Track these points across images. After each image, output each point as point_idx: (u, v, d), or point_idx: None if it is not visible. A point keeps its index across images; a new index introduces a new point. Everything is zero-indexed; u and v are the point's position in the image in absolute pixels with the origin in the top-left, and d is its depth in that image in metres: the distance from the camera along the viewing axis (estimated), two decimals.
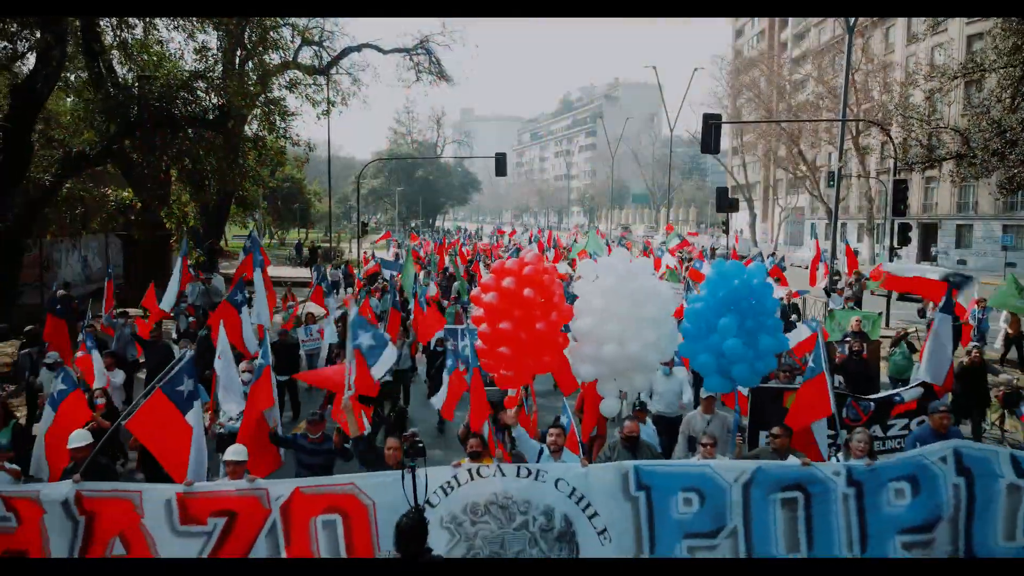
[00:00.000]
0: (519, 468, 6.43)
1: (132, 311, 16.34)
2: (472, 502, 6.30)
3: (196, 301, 18.62)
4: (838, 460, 6.85)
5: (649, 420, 8.93)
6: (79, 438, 6.92)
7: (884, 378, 13.34)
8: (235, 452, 6.89)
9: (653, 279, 8.25)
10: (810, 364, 7.93)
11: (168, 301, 15.29)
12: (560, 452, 7.22)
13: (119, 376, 10.88)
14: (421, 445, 6.55)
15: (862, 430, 7.25)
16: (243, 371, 9.91)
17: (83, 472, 6.31)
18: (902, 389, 8.88)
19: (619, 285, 7.76)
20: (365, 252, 35.37)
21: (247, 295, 12.38)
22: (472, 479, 6.35)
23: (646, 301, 7.85)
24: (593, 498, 6.30)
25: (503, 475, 6.36)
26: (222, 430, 8.82)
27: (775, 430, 7.25)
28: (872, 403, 8.77)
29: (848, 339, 12.65)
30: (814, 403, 7.58)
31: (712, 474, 6.33)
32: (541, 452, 7.30)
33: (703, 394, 8.86)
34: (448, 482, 6.33)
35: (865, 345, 12.28)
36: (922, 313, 18.32)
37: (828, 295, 19.10)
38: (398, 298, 16.25)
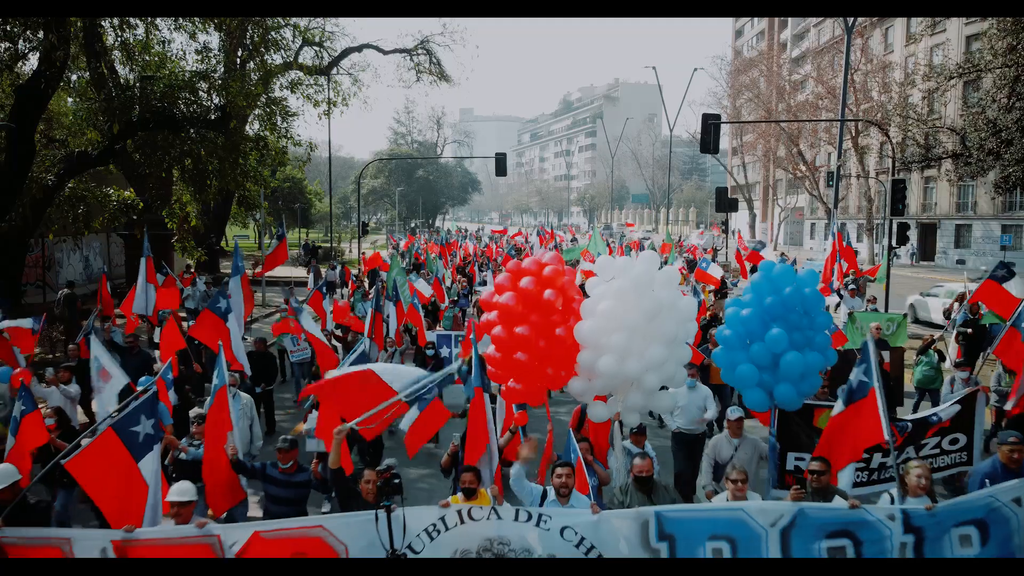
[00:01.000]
0: (518, 511, 5.62)
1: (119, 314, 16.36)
2: (462, 548, 5.50)
3: (198, 306, 18.32)
4: (892, 498, 5.93)
5: (648, 444, 7.95)
6: (3, 477, 5.91)
7: (908, 387, 12.58)
8: (179, 492, 5.93)
9: (676, 291, 7.01)
10: (859, 378, 6.60)
11: (139, 306, 14.73)
12: (568, 496, 6.17)
13: (73, 389, 10.09)
14: (398, 482, 6.10)
15: (920, 463, 6.21)
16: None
17: (6, 516, 5.46)
18: (939, 409, 7.98)
19: (634, 291, 6.60)
20: (364, 253, 35.42)
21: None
22: (462, 522, 5.54)
23: (662, 314, 6.60)
24: (606, 550, 5.48)
25: (499, 518, 5.56)
26: (184, 456, 7.69)
27: (814, 465, 6.24)
28: (909, 424, 7.77)
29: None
30: (862, 428, 6.47)
31: (745, 518, 5.50)
32: (544, 496, 6.32)
33: (731, 414, 7.90)
34: (434, 524, 5.53)
35: (884, 355, 10.99)
36: (947, 314, 17.81)
37: (840, 296, 18.59)
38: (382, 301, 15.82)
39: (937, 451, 7.82)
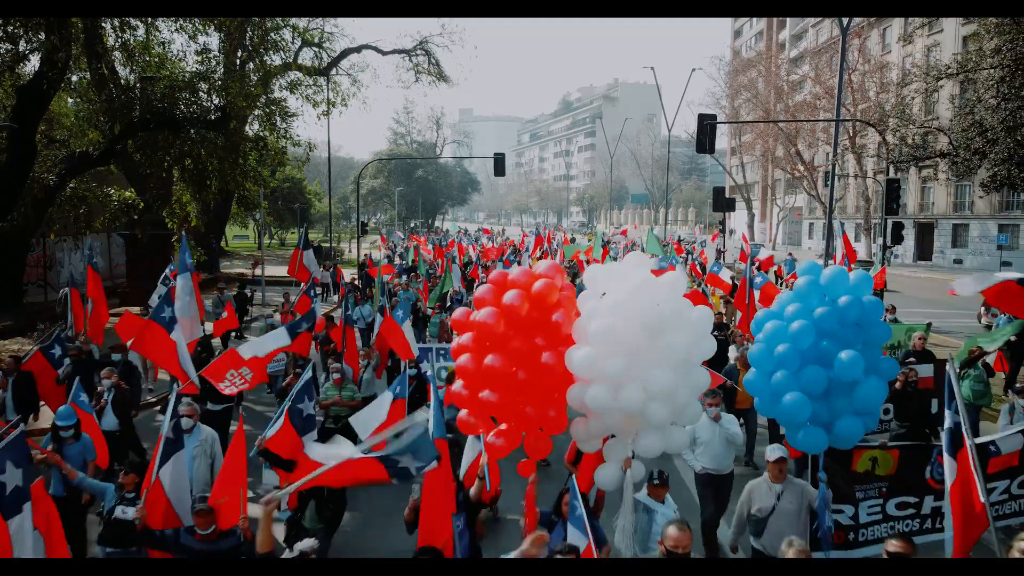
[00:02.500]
0: None
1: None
2: None
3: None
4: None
5: (669, 497, 6.16)
6: None
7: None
8: None
9: (682, 300, 5.52)
10: (953, 420, 5.45)
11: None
12: None
13: None
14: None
15: None
16: (184, 414, 7.15)
17: None
18: (997, 437, 6.22)
19: (630, 302, 5.23)
20: (367, 254, 35.47)
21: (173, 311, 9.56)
22: None
23: (668, 330, 5.21)
24: None
25: None
26: (124, 516, 5.93)
27: (896, 544, 4.72)
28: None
29: (911, 360, 10.19)
30: (965, 490, 5.25)
31: None
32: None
33: (771, 454, 6.14)
34: None
35: (920, 369, 9.74)
36: (979, 318, 17.41)
37: None
38: (351, 311, 13.93)
39: (1006, 497, 6.24)
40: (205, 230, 30.44)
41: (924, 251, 48.72)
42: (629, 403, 5.14)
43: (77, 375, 9.13)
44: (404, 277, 23.66)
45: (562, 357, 5.30)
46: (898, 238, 21.66)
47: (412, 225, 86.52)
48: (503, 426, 5.54)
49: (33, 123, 18.23)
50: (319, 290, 20.84)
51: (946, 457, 5.45)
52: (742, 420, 9.47)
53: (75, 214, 21.40)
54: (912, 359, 10.33)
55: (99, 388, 9.11)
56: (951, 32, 43.34)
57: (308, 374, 7.35)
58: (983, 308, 16.67)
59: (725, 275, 20.13)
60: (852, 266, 19.58)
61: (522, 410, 5.40)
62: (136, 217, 23.91)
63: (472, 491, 5.87)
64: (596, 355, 5.15)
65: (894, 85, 40.09)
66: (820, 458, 6.00)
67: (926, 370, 9.93)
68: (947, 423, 5.45)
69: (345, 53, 34.61)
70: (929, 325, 12.98)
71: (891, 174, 23.53)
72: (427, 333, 15.80)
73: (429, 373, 9.87)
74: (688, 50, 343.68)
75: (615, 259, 28.39)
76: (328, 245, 40.91)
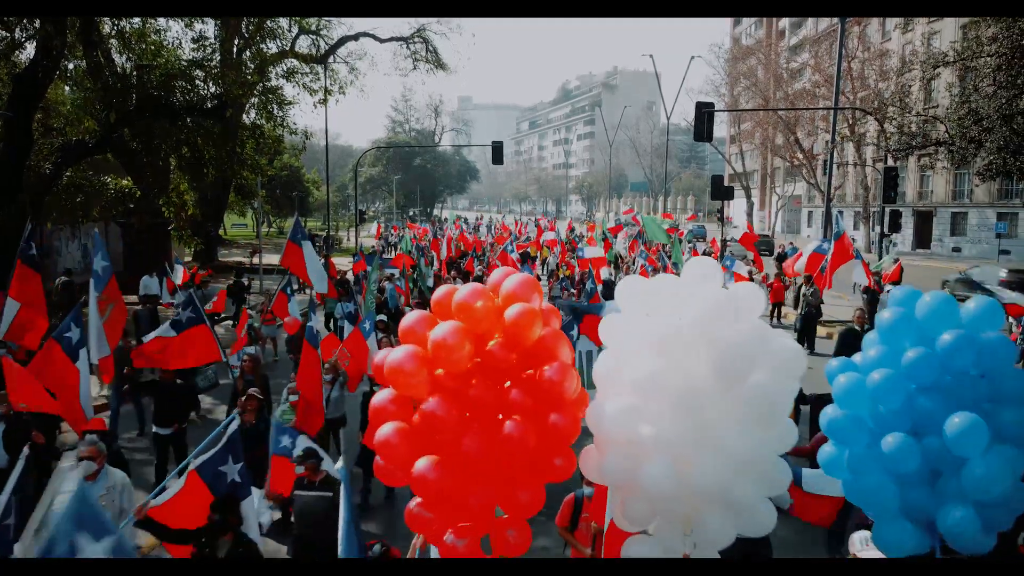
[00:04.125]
0: None
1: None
2: None
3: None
4: None
5: None
6: None
7: None
8: None
9: (764, 325, 3.82)
10: None
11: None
12: None
13: None
14: None
15: None
16: (83, 455, 5.89)
17: None
18: None
19: (697, 332, 3.62)
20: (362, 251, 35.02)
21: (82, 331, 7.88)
22: None
23: (752, 369, 3.58)
24: None
25: None
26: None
27: None
28: None
29: None
30: None
31: None
32: None
33: (855, 546, 4.55)
34: None
35: None
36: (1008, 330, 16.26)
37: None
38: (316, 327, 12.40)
39: None
40: (203, 219, 30.40)
41: (923, 239, 48.73)
42: (704, 481, 3.49)
43: None
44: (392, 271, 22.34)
45: (547, 427, 3.72)
46: (895, 226, 21.67)
47: (411, 213, 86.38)
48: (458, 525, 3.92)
49: (29, 111, 18.19)
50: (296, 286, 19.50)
51: None
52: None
53: (72, 203, 21.37)
54: None
55: None
56: (951, 20, 43.15)
57: (234, 424, 5.83)
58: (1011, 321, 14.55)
59: (740, 269, 18.92)
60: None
61: (477, 504, 3.81)
62: (133, 206, 23.90)
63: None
64: (644, 411, 3.60)
65: (893, 73, 39.99)
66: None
67: None
68: None
69: (342, 41, 34.46)
70: None
71: (889, 163, 23.52)
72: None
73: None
74: (687, 38, 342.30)
75: (619, 256, 27.57)
76: (326, 233, 40.88)
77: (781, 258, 26.79)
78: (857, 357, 4.32)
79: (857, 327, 12.27)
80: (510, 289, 3.80)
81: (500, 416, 3.74)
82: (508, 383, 3.80)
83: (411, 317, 3.95)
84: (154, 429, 8.98)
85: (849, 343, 10.91)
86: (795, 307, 19.47)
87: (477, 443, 3.65)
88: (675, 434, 3.57)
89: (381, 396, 3.91)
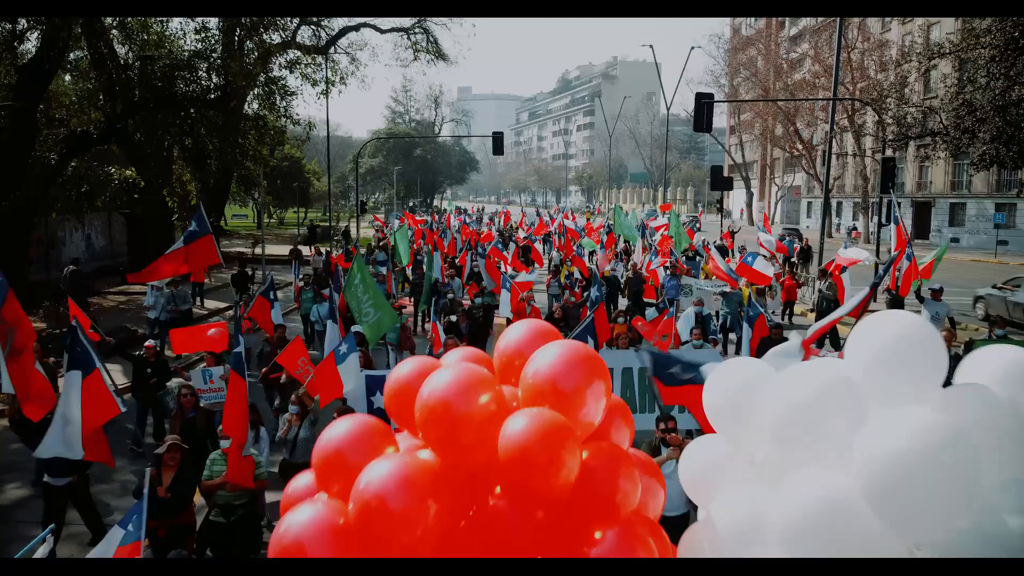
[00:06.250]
0: None
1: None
2: None
3: (161, 315, 15.09)
4: None
5: None
6: None
7: None
8: None
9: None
10: None
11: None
12: None
13: None
14: None
15: None
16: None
17: None
18: None
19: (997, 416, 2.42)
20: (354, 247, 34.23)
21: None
22: None
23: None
24: None
25: None
26: None
27: None
28: None
29: None
30: None
31: None
32: None
33: None
34: None
35: None
36: None
37: (921, 300, 14.31)
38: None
39: None
40: (206, 209, 30.51)
41: (921, 230, 48.91)
42: None
43: None
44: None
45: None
46: (891, 217, 21.84)
47: (411, 204, 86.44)
48: None
49: (34, 101, 18.34)
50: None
51: None
52: None
53: (76, 193, 21.53)
54: None
55: None
56: None
57: (147, 487, 4.91)
58: None
59: (761, 266, 17.00)
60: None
61: None
62: (137, 196, 24.07)
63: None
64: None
65: (892, 64, 40.10)
66: None
67: None
68: None
69: (344, 31, 34.47)
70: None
71: (886, 153, 23.67)
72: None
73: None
74: (688, 28, 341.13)
75: (631, 262, 24.13)
76: (327, 224, 41.03)
77: (805, 255, 25.83)
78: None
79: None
80: (550, 370, 2.11)
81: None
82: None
83: (330, 434, 2.37)
84: (44, 478, 7.41)
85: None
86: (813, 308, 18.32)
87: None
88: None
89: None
